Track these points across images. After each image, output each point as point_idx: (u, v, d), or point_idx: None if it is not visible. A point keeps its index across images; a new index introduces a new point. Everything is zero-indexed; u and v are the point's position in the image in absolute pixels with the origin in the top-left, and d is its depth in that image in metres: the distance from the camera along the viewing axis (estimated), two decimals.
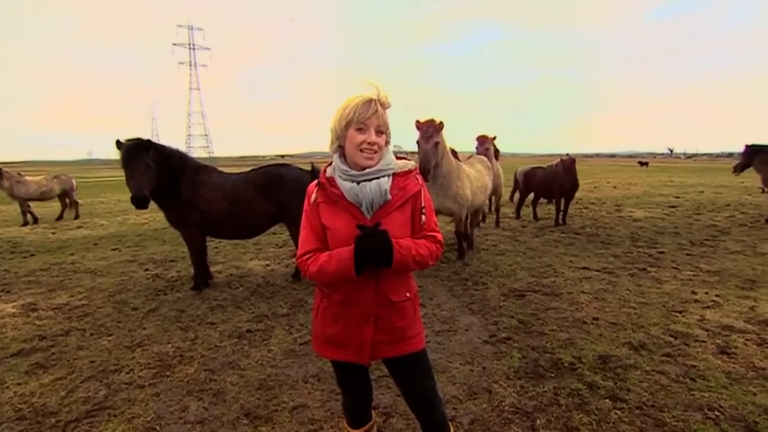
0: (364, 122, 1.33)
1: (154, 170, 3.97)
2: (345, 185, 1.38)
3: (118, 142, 3.92)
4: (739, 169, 8.34)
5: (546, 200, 9.75)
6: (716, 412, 2.22)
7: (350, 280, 1.34)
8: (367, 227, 1.33)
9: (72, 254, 6.45)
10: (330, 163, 1.47)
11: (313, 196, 1.44)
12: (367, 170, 1.37)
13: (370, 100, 1.34)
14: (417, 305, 1.55)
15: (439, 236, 1.47)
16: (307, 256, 1.41)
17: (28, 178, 9.74)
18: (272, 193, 4.42)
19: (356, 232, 1.33)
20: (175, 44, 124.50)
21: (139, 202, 3.85)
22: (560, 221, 8.03)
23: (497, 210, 8.32)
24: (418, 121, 4.62)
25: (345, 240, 1.34)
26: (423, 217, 1.44)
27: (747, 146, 8.09)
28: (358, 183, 1.36)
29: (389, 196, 1.38)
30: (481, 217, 7.52)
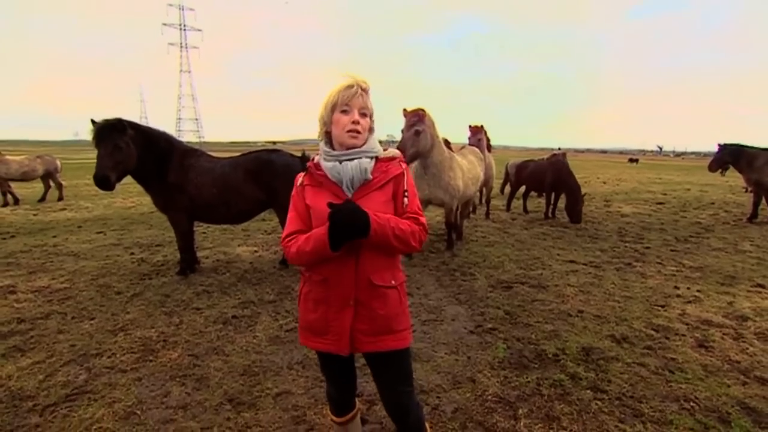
0: (347, 103, 1.39)
1: (127, 152, 3.88)
2: (327, 165, 1.42)
3: (92, 121, 3.85)
4: (715, 166, 8.46)
5: (536, 194, 9.82)
6: (692, 403, 2.28)
7: (328, 258, 1.34)
8: (336, 204, 1.31)
9: (54, 236, 6.30)
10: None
11: (300, 180, 1.49)
12: (351, 150, 1.41)
13: (351, 84, 1.40)
14: (403, 296, 1.51)
15: (423, 219, 1.46)
16: (289, 237, 1.44)
17: (9, 157, 9.45)
18: (262, 178, 4.36)
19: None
20: (165, 24, 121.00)
21: (100, 182, 3.77)
22: (550, 215, 8.09)
23: (488, 202, 8.35)
24: (404, 110, 4.61)
25: (326, 218, 1.34)
26: (405, 199, 1.45)
27: (723, 145, 8.18)
28: (340, 162, 1.41)
29: (370, 176, 1.41)
30: (471, 209, 7.54)
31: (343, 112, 1.39)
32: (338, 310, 1.41)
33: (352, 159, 1.40)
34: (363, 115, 1.42)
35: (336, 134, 1.42)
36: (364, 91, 1.42)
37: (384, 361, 1.48)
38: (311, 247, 1.34)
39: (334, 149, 1.44)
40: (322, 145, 1.47)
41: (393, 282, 1.46)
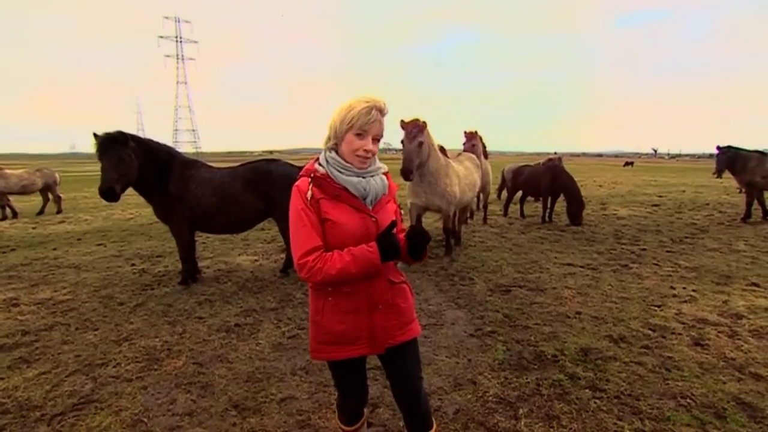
0: (365, 129, 1.39)
1: (130, 164, 3.95)
2: (351, 180, 1.43)
3: (95, 135, 3.92)
4: (722, 168, 8.51)
5: (533, 198, 9.91)
6: (688, 400, 2.33)
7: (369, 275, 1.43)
8: (417, 227, 1.45)
9: (55, 249, 6.32)
10: (316, 160, 1.48)
11: (309, 193, 1.40)
12: (371, 168, 1.49)
13: (372, 108, 1.38)
14: (411, 289, 1.66)
15: None
16: (315, 256, 1.36)
17: (8, 171, 9.49)
18: (261, 188, 4.42)
19: (365, 225, 1.43)
20: (161, 37, 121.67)
21: (105, 194, 3.85)
22: (547, 218, 8.17)
23: (485, 207, 8.43)
24: (402, 121, 4.66)
25: (352, 233, 1.41)
26: (402, 212, 1.64)
27: (722, 148, 8.25)
28: (364, 178, 1.46)
29: (387, 190, 1.53)
30: (468, 214, 7.61)
31: (359, 135, 1.39)
32: (368, 314, 1.47)
33: (373, 176, 1.48)
34: (376, 141, 1.43)
35: (345, 151, 1.43)
36: (383, 116, 1.42)
37: (404, 350, 1.56)
38: (357, 269, 1.35)
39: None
40: (337, 158, 1.44)
41: (402, 278, 1.60)
